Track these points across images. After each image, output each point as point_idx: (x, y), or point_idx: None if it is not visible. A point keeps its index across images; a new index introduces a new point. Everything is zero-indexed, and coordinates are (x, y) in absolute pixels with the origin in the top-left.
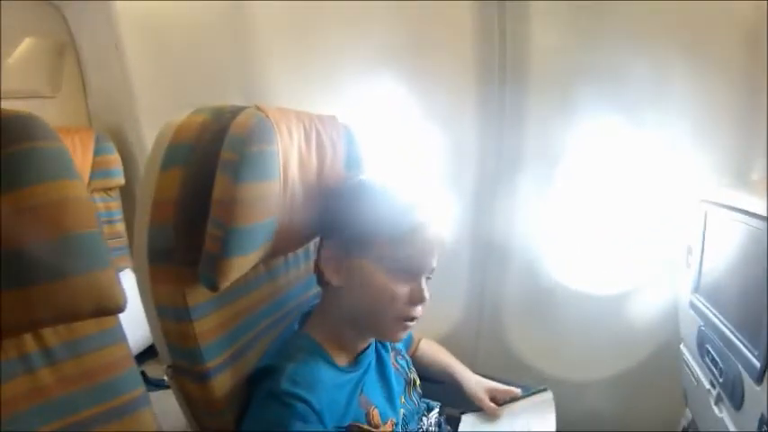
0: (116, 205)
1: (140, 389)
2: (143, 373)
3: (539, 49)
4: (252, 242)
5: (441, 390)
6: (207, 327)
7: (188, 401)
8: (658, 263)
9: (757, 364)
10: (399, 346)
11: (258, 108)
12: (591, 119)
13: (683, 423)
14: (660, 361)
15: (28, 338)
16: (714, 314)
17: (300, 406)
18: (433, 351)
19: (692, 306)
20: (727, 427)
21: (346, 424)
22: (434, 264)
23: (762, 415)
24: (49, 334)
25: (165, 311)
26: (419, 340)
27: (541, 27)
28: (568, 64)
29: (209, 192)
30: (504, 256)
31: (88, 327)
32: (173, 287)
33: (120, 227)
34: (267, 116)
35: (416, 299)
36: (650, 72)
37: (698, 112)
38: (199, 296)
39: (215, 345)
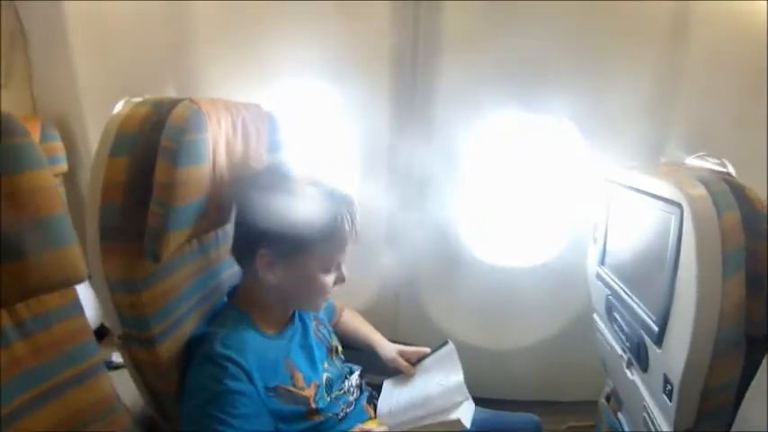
0: (60, 191)
1: (98, 355)
2: None
3: (451, 39)
4: (188, 217)
5: (363, 356)
6: (152, 296)
7: (137, 366)
8: (571, 238)
9: (656, 329)
10: (321, 316)
11: (192, 101)
12: (502, 105)
13: (606, 390)
14: (581, 331)
15: (4, 314)
16: (618, 284)
17: (232, 366)
18: (353, 321)
19: (599, 277)
20: (638, 390)
21: (273, 385)
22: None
23: (664, 375)
24: (21, 308)
25: (116, 284)
26: (342, 311)
27: (454, 18)
28: (480, 52)
29: (151, 175)
30: (419, 233)
31: (54, 299)
32: (122, 261)
33: None
34: (200, 108)
35: (339, 281)
36: (566, 62)
37: (611, 100)
38: (144, 269)
39: (160, 312)
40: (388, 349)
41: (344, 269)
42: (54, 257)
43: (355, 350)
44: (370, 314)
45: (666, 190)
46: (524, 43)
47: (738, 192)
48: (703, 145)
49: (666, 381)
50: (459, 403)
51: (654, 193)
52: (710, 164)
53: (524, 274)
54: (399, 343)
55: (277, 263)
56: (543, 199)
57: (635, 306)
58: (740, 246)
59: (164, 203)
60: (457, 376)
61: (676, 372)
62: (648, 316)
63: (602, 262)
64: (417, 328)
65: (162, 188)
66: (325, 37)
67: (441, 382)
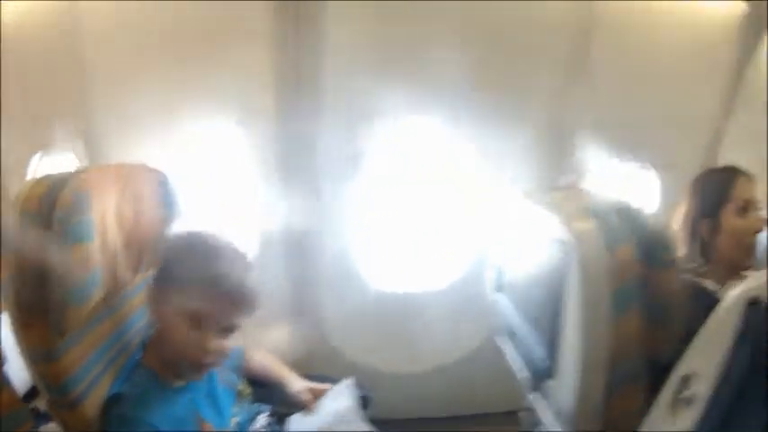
0: None
1: (28, 422)
2: (35, 409)
3: (334, 49)
4: (83, 293)
5: (276, 393)
6: (67, 362)
7: (65, 427)
8: (475, 262)
9: (547, 363)
10: (227, 363)
11: (79, 182)
12: (394, 117)
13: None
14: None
15: None
16: (513, 312)
17: (143, 425)
18: (263, 361)
19: (497, 303)
20: (541, 413)
21: None
22: (237, 320)
23: (557, 406)
24: None
25: (33, 355)
26: (254, 352)
27: (336, 27)
28: (366, 63)
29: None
30: (319, 264)
31: None
32: (37, 334)
33: None
34: (86, 188)
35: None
36: (462, 74)
37: (510, 119)
38: (56, 339)
39: (76, 377)
40: (296, 386)
41: (219, 338)
42: None
43: (266, 387)
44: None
45: (554, 226)
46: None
47: (636, 221)
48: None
49: (558, 412)
50: None
51: (542, 226)
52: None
53: (431, 297)
54: (315, 378)
55: (154, 300)
56: (447, 221)
57: (528, 335)
58: (635, 280)
59: (59, 282)
60: (354, 409)
61: (569, 405)
62: (541, 349)
63: (499, 288)
64: (329, 360)
65: (57, 272)
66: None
67: (338, 414)
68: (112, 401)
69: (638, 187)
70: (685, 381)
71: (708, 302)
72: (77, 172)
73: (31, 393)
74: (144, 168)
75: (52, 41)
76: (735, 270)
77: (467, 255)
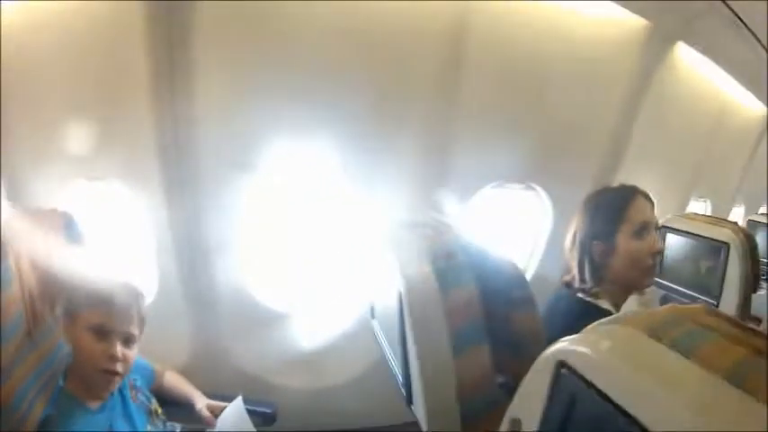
0: None
1: None
2: None
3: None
4: (9, 333)
5: (185, 411)
6: (4, 393)
7: None
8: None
9: (404, 392)
10: (139, 384)
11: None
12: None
13: None
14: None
15: None
16: (383, 338)
17: None
18: (173, 381)
19: (373, 329)
20: None
21: None
22: (133, 330)
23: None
24: None
25: None
26: (163, 374)
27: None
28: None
29: None
30: (214, 288)
31: None
32: None
33: None
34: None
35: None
36: (329, 92)
37: (388, 143)
38: None
39: (10, 408)
40: (200, 404)
41: (122, 347)
42: None
43: (177, 405)
44: (189, 370)
45: (394, 267)
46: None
47: (484, 262)
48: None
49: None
50: None
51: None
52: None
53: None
54: (219, 397)
55: (65, 327)
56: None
57: (394, 365)
58: (476, 319)
59: None
60: (246, 423)
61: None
62: (401, 377)
63: (372, 315)
64: (234, 378)
65: None
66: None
67: (233, 428)
68: (43, 423)
69: (528, 208)
70: (514, 423)
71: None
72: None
73: None
74: (52, 212)
75: None
76: (630, 290)
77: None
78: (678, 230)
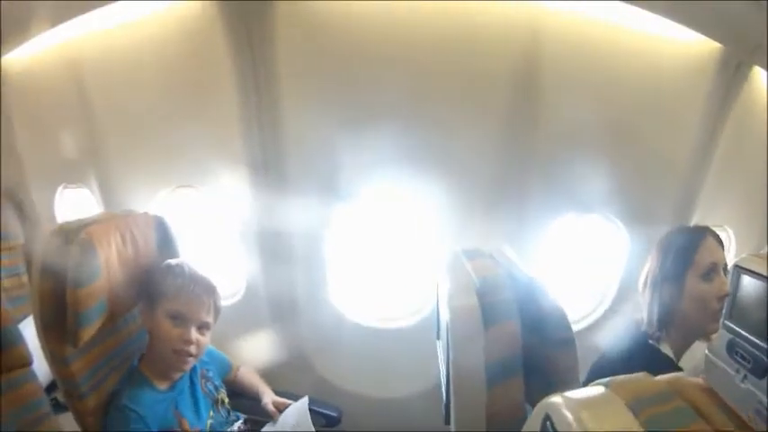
0: (20, 260)
1: (46, 407)
2: (55, 399)
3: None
4: (91, 318)
5: (255, 405)
6: (79, 366)
7: (75, 413)
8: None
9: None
10: (211, 374)
11: (86, 234)
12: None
13: None
14: None
15: None
16: (440, 361)
17: (133, 415)
18: (247, 377)
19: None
20: None
21: (164, 429)
22: (207, 318)
23: None
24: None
25: (52, 359)
26: (238, 368)
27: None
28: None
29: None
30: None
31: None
32: (55, 344)
33: (25, 278)
34: (91, 242)
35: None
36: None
37: (458, 173)
38: (71, 349)
39: (85, 377)
40: (267, 399)
41: (196, 333)
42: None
43: (248, 399)
44: (270, 372)
45: (444, 296)
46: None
47: (529, 298)
48: None
49: None
50: None
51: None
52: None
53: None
54: (287, 395)
55: (146, 314)
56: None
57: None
58: (515, 355)
59: (73, 311)
60: (306, 421)
61: None
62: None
63: (437, 336)
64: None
65: (70, 303)
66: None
67: (295, 426)
68: (113, 396)
69: (604, 242)
70: None
71: (663, 367)
72: (86, 224)
73: (52, 386)
74: (144, 216)
75: (58, 80)
76: (696, 335)
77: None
78: (751, 272)
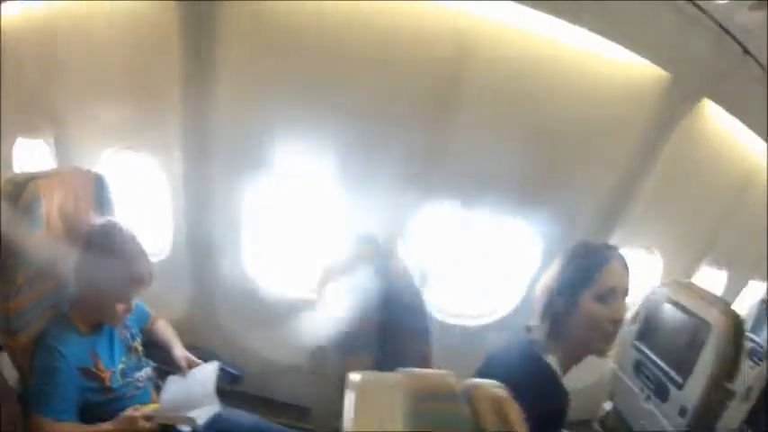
0: None
1: None
2: None
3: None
4: (29, 262)
5: (164, 355)
6: (13, 305)
7: (8, 350)
8: None
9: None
10: (129, 323)
11: (33, 186)
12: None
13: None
14: None
15: None
16: None
17: (56, 353)
18: (162, 329)
19: None
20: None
21: (81, 366)
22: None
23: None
24: None
25: None
26: (156, 319)
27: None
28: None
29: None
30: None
31: None
32: None
33: None
34: (38, 195)
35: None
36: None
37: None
38: (9, 289)
39: (19, 315)
40: (177, 352)
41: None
42: None
43: (160, 349)
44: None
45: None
46: None
47: (396, 286)
48: None
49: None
50: (202, 406)
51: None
52: None
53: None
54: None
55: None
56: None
57: None
58: (370, 335)
59: (13, 253)
60: (210, 385)
61: None
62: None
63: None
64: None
65: (11, 247)
66: None
67: (201, 386)
68: (41, 335)
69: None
70: None
71: (542, 376)
72: (33, 177)
73: None
74: (86, 173)
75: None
76: (586, 351)
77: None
78: (668, 298)
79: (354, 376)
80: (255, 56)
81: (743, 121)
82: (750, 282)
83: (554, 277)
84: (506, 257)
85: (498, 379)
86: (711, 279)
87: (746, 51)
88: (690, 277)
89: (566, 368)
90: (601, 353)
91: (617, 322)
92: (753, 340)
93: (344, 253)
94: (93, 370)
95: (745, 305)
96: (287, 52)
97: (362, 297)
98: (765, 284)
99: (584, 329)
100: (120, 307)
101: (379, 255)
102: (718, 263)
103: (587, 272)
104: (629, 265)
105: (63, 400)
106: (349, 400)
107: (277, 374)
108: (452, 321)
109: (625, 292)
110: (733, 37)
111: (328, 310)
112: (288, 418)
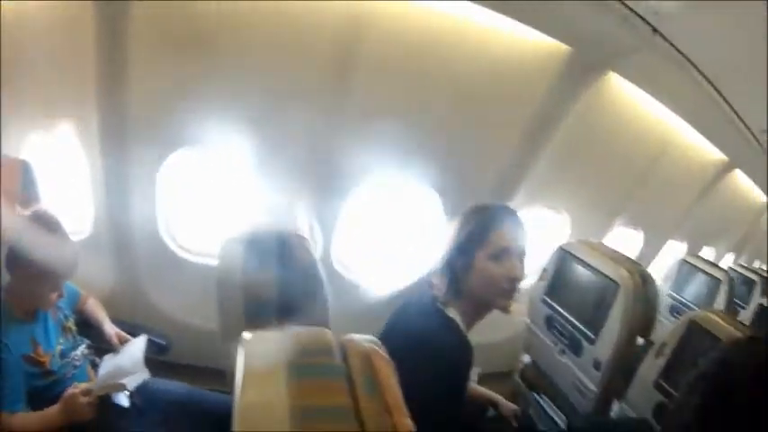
0: None
1: None
2: None
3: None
4: None
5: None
6: None
7: None
8: None
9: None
10: (61, 304)
11: None
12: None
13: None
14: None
15: None
16: None
17: (0, 344)
18: (92, 307)
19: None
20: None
21: (22, 354)
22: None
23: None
24: None
25: None
26: (87, 299)
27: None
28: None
29: None
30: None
31: None
32: None
33: None
34: None
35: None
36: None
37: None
38: None
39: None
40: (109, 331)
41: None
42: None
43: (91, 327)
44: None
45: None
46: None
47: (294, 248)
48: None
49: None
50: (132, 374)
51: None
52: None
53: None
54: (126, 325)
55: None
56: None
57: None
58: (270, 303)
59: None
60: (139, 355)
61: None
62: None
63: None
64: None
65: None
66: None
67: (130, 358)
68: None
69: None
70: None
71: (443, 329)
72: None
73: None
74: (12, 160)
75: None
76: (488, 307)
77: None
78: (575, 257)
79: (246, 335)
80: (164, 41)
81: (654, 96)
82: (670, 241)
83: (453, 236)
84: (414, 222)
85: (403, 331)
86: (628, 239)
87: (655, 30)
88: (602, 238)
89: (469, 322)
90: (503, 309)
91: (512, 280)
92: (674, 298)
93: (248, 223)
94: (34, 356)
95: (665, 264)
96: (192, 37)
97: (262, 267)
98: (685, 244)
99: (481, 286)
100: (52, 293)
101: (280, 225)
102: (634, 224)
103: (482, 232)
104: (525, 226)
105: (13, 391)
106: (240, 356)
107: (204, 342)
108: (362, 286)
109: (521, 252)
110: (640, 16)
111: (231, 279)
112: (216, 384)
